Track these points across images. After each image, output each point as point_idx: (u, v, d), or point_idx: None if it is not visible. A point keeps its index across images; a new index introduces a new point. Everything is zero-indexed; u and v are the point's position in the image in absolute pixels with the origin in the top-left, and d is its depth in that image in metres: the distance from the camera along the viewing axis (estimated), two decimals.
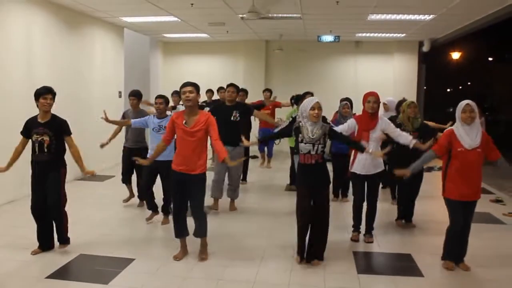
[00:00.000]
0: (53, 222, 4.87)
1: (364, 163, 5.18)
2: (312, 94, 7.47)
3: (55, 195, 4.77)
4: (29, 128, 4.75)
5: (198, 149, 4.52)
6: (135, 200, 6.92)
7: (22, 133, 4.82)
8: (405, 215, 6.00)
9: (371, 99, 5.16)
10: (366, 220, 5.40)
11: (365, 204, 5.40)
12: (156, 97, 6.06)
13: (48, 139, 4.66)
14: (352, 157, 5.35)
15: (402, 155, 5.51)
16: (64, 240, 4.91)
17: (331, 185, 7.12)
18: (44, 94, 4.66)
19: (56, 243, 4.97)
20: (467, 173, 4.30)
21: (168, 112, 7.19)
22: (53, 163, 4.74)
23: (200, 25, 10.73)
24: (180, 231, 4.77)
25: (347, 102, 7.02)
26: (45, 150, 4.68)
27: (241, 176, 8.15)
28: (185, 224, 4.75)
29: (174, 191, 4.67)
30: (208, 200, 6.52)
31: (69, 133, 4.82)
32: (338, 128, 5.21)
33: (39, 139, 4.67)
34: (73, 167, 4.99)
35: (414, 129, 5.70)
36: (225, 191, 6.70)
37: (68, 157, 4.89)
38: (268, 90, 10.15)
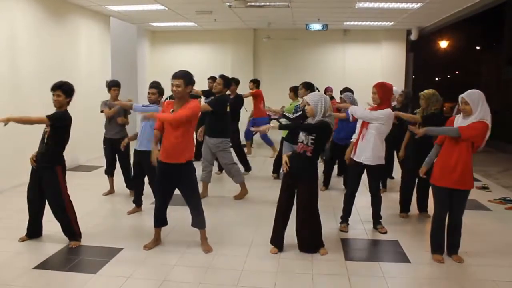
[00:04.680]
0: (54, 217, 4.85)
1: (361, 152, 5.14)
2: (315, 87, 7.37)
3: (55, 195, 4.74)
4: None
5: (183, 138, 4.47)
6: (120, 191, 6.93)
7: None
8: (419, 204, 5.94)
9: (372, 90, 5.18)
10: (373, 211, 5.39)
11: (356, 195, 5.41)
12: (150, 87, 5.94)
13: (48, 130, 4.63)
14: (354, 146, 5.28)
15: (418, 149, 5.48)
16: (74, 235, 4.84)
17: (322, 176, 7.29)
18: (52, 90, 4.63)
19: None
20: (445, 159, 4.30)
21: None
22: (47, 156, 4.66)
23: (188, 14, 10.64)
24: (161, 221, 4.78)
25: (342, 97, 6.94)
26: (45, 141, 4.64)
27: (245, 168, 8.20)
28: (165, 214, 4.77)
29: (160, 182, 4.64)
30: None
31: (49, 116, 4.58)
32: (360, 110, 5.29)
33: (45, 129, 4.67)
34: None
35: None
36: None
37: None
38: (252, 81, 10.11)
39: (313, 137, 4.43)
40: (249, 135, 10.22)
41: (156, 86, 5.92)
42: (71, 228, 4.84)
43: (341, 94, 7.39)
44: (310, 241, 4.65)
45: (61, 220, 4.82)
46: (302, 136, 4.50)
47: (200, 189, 6.64)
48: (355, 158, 5.22)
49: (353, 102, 6.55)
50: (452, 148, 4.28)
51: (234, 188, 6.87)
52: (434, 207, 4.49)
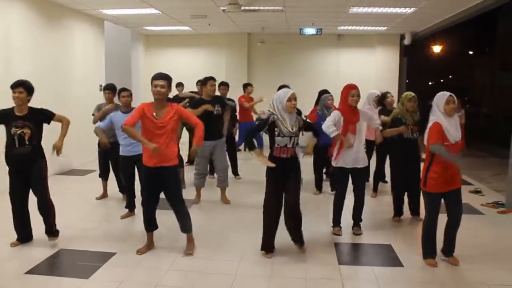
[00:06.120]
0: (40, 214, 4.84)
1: (350, 156, 5.18)
2: (288, 87, 7.46)
3: (41, 189, 4.77)
4: (4, 120, 4.67)
5: (169, 141, 4.47)
6: (113, 195, 6.89)
7: None
8: (411, 208, 5.97)
9: (355, 92, 5.12)
10: (354, 213, 5.42)
11: (348, 197, 5.42)
12: (121, 90, 5.95)
13: (29, 131, 4.62)
14: (335, 151, 5.29)
15: (403, 149, 5.56)
16: (53, 232, 4.88)
17: (313, 179, 7.29)
18: (14, 87, 4.61)
19: (39, 236, 4.92)
20: (448, 164, 4.26)
21: None
22: (34, 155, 4.70)
23: (182, 18, 10.65)
24: (150, 225, 4.77)
25: (332, 95, 7.03)
26: (26, 142, 4.63)
27: (232, 170, 8.18)
28: (154, 217, 4.76)
29: (145, 185, 4.64)
30: (189, 195, 6.57)
31: (52, 114, 4.83)
32: (328, 119, 5.24)
33: (19, 132, 4.60)
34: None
35: (415, 123, 5.61)
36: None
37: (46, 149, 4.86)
38: (251, 85, 9.90)
39: (298, 137, 4.52)
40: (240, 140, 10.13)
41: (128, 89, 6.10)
42: (49, 219, 4.85)
43: (320, 96, 7.38)
44: (301, 235, 4.70)
45: (45, 214, 4.83)
46: (284, 140, 4.45)
47: (193, 195, 6.67)
48: (350, 166, 5.20)
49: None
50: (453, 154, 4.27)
51: (229, 192, 6.84)
52: (426, 211, 4.48)
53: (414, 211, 5.96)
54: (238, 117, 9.65)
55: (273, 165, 4.45)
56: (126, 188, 6.04)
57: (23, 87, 4.62)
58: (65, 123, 4.89)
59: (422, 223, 4.57)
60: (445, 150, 4.19)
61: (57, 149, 4.75)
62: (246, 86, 9.84)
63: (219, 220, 5.95)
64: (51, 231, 4.88)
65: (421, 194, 4.60)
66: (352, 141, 5.14)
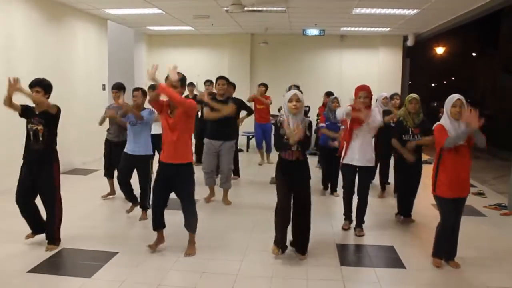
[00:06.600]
0: (45, 212, 4.82)
1: (357, 154, 5.20)
2: (298, 87, 7.50)
3: (50, 197, 4.75)
4: (26, 114, 4.69)
5: (182, 139, 4.52)
6: (118, 194, 6.87)
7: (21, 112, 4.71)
8: (404, 210, 5.94)
9: (362, 94, 5.10)
10: (356, 214, 5.42)
11: (355, 197, 5.44)
12: (134, 90, 5.93)
13: (42, 128, 4.63)
14: (344, 149, 5.33)
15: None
16: (54, 239, 4.81)
17: (320, 177, 7.32)
18: (31, 86, 4.61)
19: (42, 235, 4.90)
20: (457, 170, 4.24)
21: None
22: (46, 153, 4.68)
23: (185, 18, 10.66)
24: (159, 224, 4.77)
25: (336, 97, 7.08)
26: (40, 139, 4.64)
27: (233, 169, 8.19)
28: (163, 216, 4.76)
29: (157, 183, 4.64)
30: (202, 193, 6.58)
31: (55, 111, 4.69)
32: (338, 110, 5.39)
33: (34, 128, 4.63)
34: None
35: (416, 125, 5.59)
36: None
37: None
38: (263, 85, 9.88)
39: (303, 141, 4.41)
40: (261, 143, 10.12)
41: (140, 88, 6.01)
42: (53, 229, 4.80)
43: (327, 97, 7.46)
44: (307, 242, 4.66)
45: (48, 219, 4.79)
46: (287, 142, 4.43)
47: (200, 195, 6.65)
48: (356, 164, 5.24)
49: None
50: (460, 159, 4.24)
51: (230, 192, 6.84)
52: (441, 215, 4.42)
53: (406, 212, 5.92)
54: (255, 118, 9.77)
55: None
56: (123, 187, 5.98)
57: (40, 86, 4.61)
58: (43, 101, 4.58)
59: (438, 225, 4.49)
60: (455, 135, 4.15)
61: (15, 80, 4.39)
62: (258, 85, 10.00)
63: (221, 220, 5.96)
64: (52, 238, 4.81)
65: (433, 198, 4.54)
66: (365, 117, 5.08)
